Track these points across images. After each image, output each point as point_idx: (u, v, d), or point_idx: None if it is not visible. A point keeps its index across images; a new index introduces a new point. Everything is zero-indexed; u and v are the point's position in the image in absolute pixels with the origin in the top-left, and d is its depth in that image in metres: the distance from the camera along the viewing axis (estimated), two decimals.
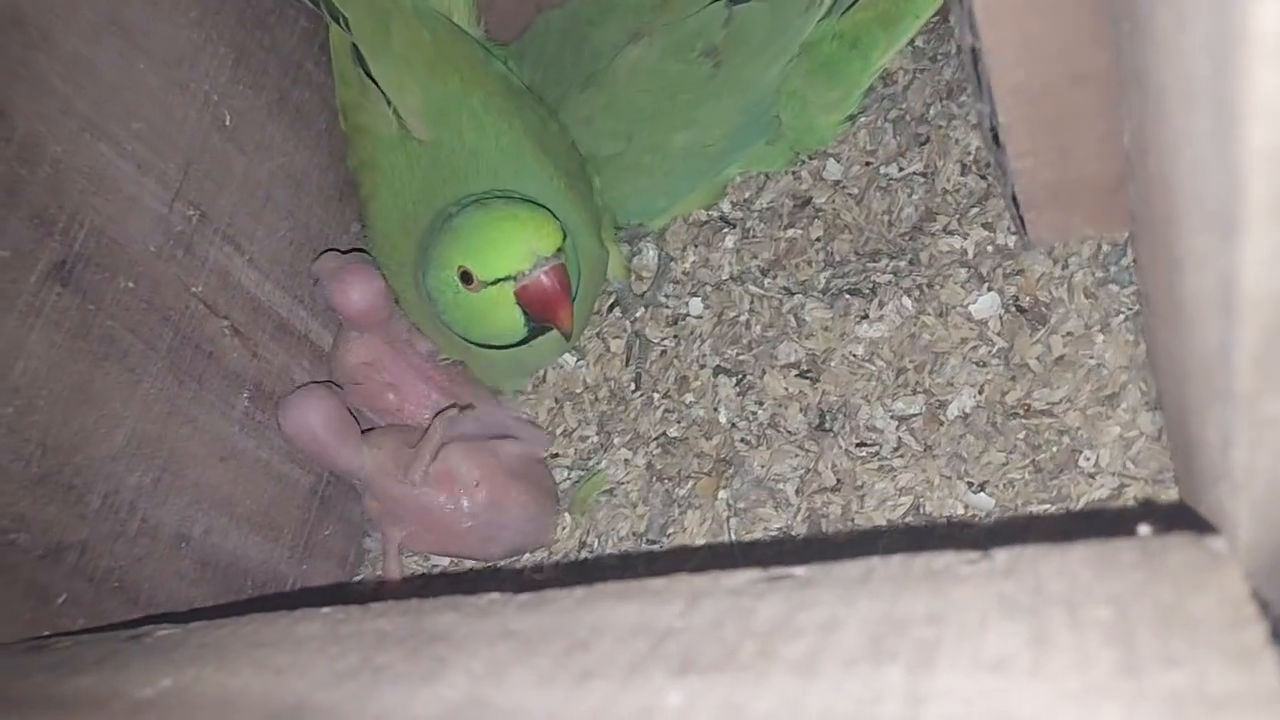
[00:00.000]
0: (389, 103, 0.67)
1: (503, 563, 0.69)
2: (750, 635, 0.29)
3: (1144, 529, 0.31)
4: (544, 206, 0.62)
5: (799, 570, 0.33)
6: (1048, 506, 0.57)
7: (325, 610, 0.39)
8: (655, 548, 0.65)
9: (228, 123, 0.66)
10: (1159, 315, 0.47)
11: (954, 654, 0.26)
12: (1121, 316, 0.61)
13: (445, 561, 0.71)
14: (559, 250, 0.60)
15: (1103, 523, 0.54)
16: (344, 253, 0.73)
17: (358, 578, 0.70)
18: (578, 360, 0.76)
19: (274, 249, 0.68)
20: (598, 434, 0.73)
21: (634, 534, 0.67)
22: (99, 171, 0.56)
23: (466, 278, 0.60)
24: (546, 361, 0.75)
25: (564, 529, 0.69)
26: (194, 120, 0.63)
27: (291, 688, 0.34)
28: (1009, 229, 0.66)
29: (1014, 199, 0.49)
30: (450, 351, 0.71)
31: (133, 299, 0.57)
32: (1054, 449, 0.59)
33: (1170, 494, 0.55)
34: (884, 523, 0.61)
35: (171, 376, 0.59)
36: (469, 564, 0.70)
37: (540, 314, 0.61)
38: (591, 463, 0.71)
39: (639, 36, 0.71)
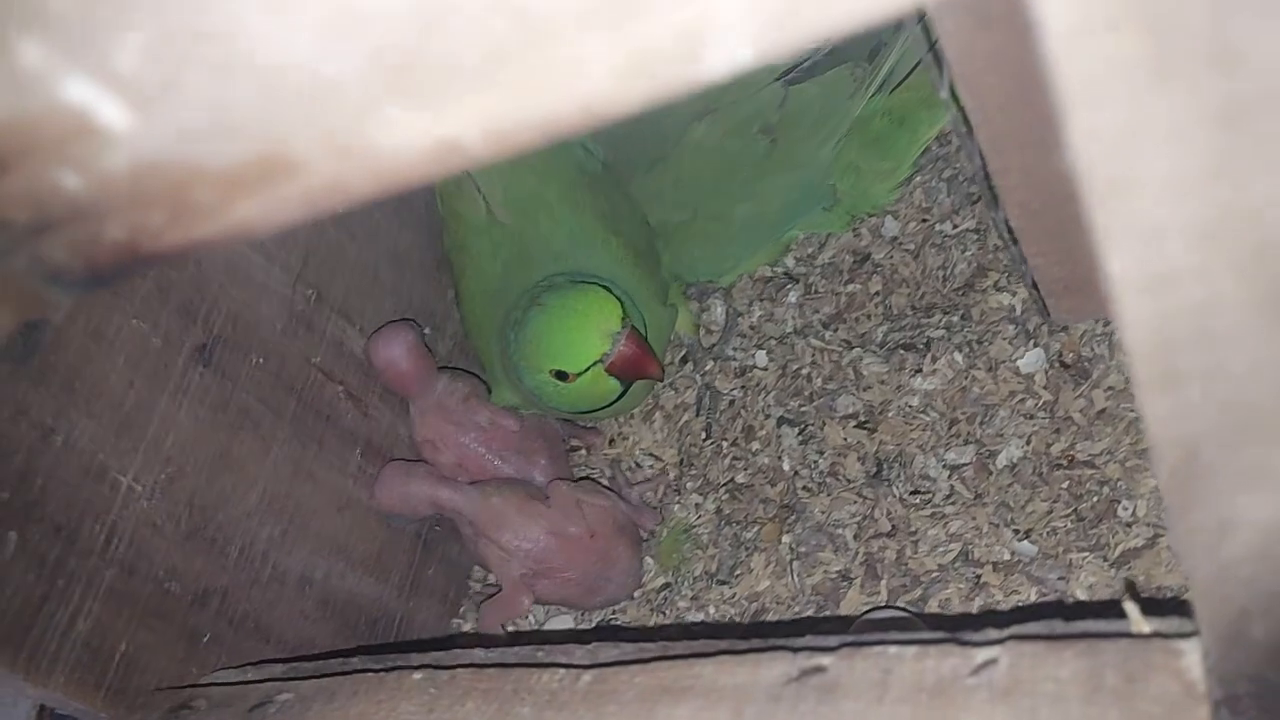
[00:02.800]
0: (479, 190, 0.75)
1: None
2: None
3: (1134, 618, 0.36)
4: (594, 284, 0.70)
5: (826, 661, 0.39)
6: (1086, 554, 0.61)
7: (418, 678, 0.45)
8: (725, 588, 0.71)
9: (339, 212, 0.74)
10: None
11: None
12: None
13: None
14: (624, 318, 0.68)
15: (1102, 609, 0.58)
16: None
17: (455, 621, 0.78)
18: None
19: (380, 320, 0.76)
20: (675, 478, 0.79)
21: (706, 574, 0.73)
22: (234, 265, 0.65)
23: (561, 375, 0.69)
24: (638, 404, 0.82)
25: (649, 572, 0.76)
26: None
27: None
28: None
29: (1034, 285, 0.54)
30: (541, 410, 0.78)
31: (263, 373, 0.66)
32: (1094, 499, 0.63)
33: None
34: (935, 568, 0.66)
35: (296, 440, 0.67)
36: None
37: (633, 376, 0.70)
38: (669, 514, 0.77)
39: (703, 115, 0.77)
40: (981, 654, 0.36)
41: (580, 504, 0.72)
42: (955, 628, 0.42)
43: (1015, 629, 0.38)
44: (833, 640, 0.40)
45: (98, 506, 0.56)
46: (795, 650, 0.40)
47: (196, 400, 0.61)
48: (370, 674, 0.48)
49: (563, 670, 0.44)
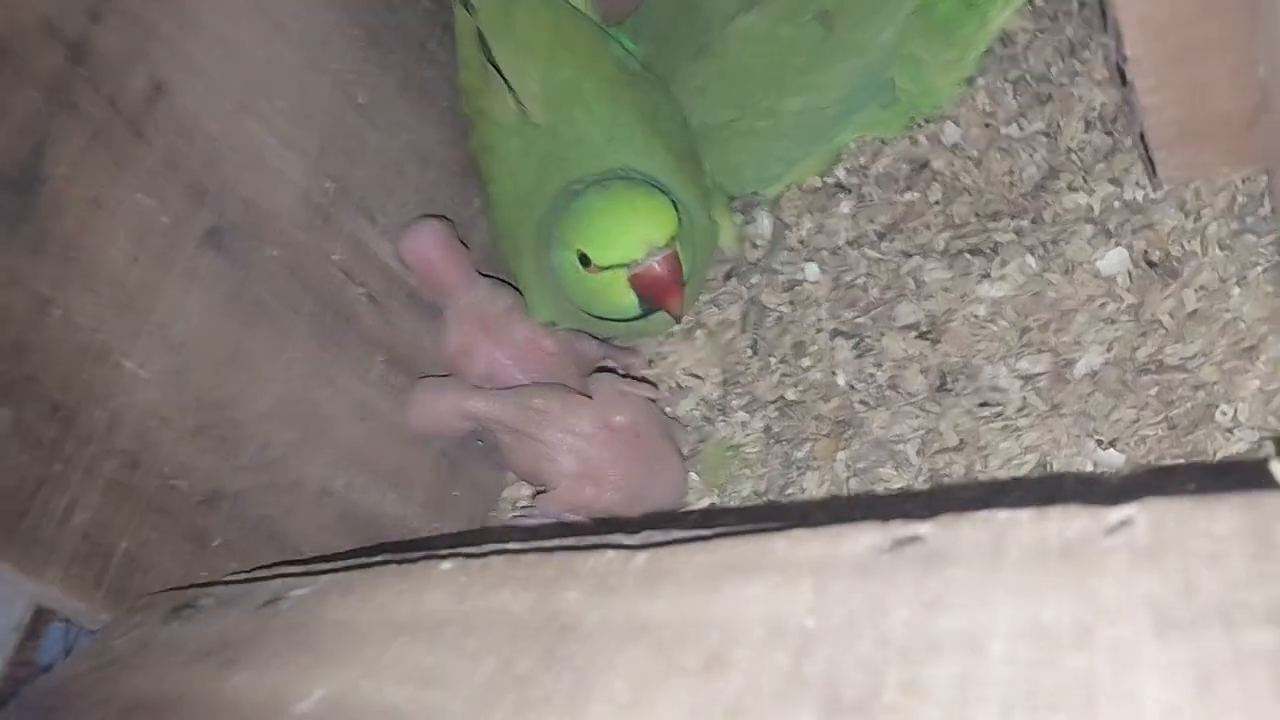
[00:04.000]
0: (509, 88, 0.70)
1: None
2: (889, 653, 0.29)
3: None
4: (663, 192, 0.64)
5: (923, 529, 0.33)
6: (1181, 461, 0.56)
7: (448, 566, 0.40)
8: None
9: (360, 100, 0.69)
10: None
11: (1114, 703, 0.25)
12: (1260, 268, 0.59)
13: None
14: (673, 238, 0.62)
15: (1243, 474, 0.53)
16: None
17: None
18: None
19: (404, 221, 0.71)
20: (719, 399, 0.73)
21: (755, 494, 0.68)
22: (248, 146, 0.60)
23: (584, 260, 0.63)
24: (661, 331, 0.77)
25: (692, 490, 0.70)
26: (330, 98, 0.66)
27: (444, 709, 0.35)
28: (1137, 182, 0.64)
29: (1142, 138, 0.48)
30: (573, 322, 0.73)
31: (278, 266, 0.61)
32: (1188, 404, 0.57)
33: None
34: (1009, 481, 0.60)
35: (314, 341, 0.62)
36: None
37: (652, 299, 0.64)
38: (711, 432, 0.72)
39: (752, 4, 0.72)
40: (1115, 514, 0.31)
41: (623, 394, 0.66)
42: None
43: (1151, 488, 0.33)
44: (927, 510, 0.35)
45: (99, 390, 0.51)
46: (885, 519, 0.34)
47: (207, 287, 0.56)
48: (394, 565, 0.43)
49: (612, 552, 0.39)
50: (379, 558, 0.48)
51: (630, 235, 0.63)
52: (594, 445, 0.64)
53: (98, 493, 0.50)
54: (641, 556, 0.38)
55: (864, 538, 0.34)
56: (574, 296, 0.68)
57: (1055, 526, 0.31)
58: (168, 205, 0.55)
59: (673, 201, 0.65)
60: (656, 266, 0.63)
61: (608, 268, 0.64)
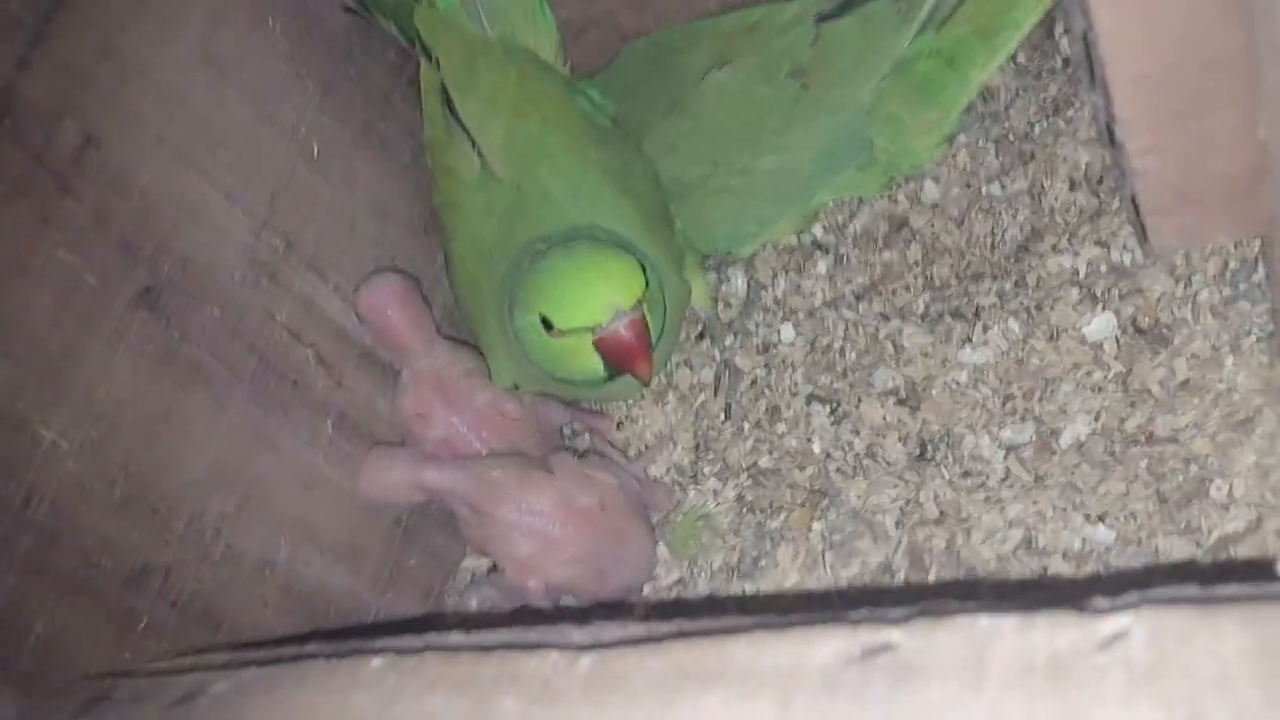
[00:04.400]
0: (473, 144, 0.67)
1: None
2: None
3: None
4: (630, 253, 0.61)
5: (896, 635, 0.30)
6: (1174, 538, 0.52)
7: (378, 664, 0.37)
8: (747, 583, 0.62)
9: (315, 154, 0.66)
10: None
11: None
12: (1253, 337, 0.56)
13: None
14: (640, 301, 0.60)
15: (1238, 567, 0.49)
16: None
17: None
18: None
19: (359, 279, 0.67)
20: (690, 464, 0.70)
21: (726, 566, 0.64)
22: (188, 201, 0.57)
23: (547, 324, 0.61)
24: (629, 395, 0.73)
25: (660, 563, 0.67)
26: (282, 151, 0.63)
27: None
28: (1124, 245, 0.62)
29: (1134, 202, 0.45)
30: (537, 386, 0.70)
31: (218, 326, 0.57)
32: (1180, 478, 0.54)
33: None
34: (993, 557, 0.57)
35: (256, 404, 0.59)
36: None
37: (618, 364, 0.61)
38: (682, 499, 0.68)
39: (725, 62, 0.69)
40: (1108, 624, 0.27)
41: (589, 478, 0.63)
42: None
43: (1142, 595, 0.29)
44: (899, 611, 0.31)
45: (14, 462, 0.47)
46: (854, 623, 0.31)
47: (136, 349, 0.53)
48: (322, 660, 0.39)
49: (556, 653, 0.35)
50: (310, 646, 0.44)
51: (595, 298, 0.60)
52: (553, 525, 0.61)
53: (10, 572, 0.46)
54: (588, 659, 0.34)
55: (832, 644, 0.30)
56: (537, 360, 0.64)
57: (1042, 638, 0.28)
58: (96, 264, 0.51)
59: (641, 262, 0.62)
60: (623, 331, 0.60)
61: (571, 332, 0.61)
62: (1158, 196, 0.44)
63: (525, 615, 0.63)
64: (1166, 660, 0.26)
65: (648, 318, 0.61)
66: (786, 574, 0.62)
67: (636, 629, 0.37)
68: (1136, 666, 0.26)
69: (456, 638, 0.40)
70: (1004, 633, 0.28)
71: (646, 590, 0.65)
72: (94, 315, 0.51)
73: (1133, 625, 0.27)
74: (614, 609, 0.62)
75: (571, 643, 0.36)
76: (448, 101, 0.70)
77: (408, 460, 0.64)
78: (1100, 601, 0.29)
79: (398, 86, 0.76)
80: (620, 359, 0.61)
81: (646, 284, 0.60)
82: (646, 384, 0.64)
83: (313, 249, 0.64)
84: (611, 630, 0.37)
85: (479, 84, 0.69)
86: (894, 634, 0.30)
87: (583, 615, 0.60)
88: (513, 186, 0.67)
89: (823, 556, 0.61)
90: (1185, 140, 0.39)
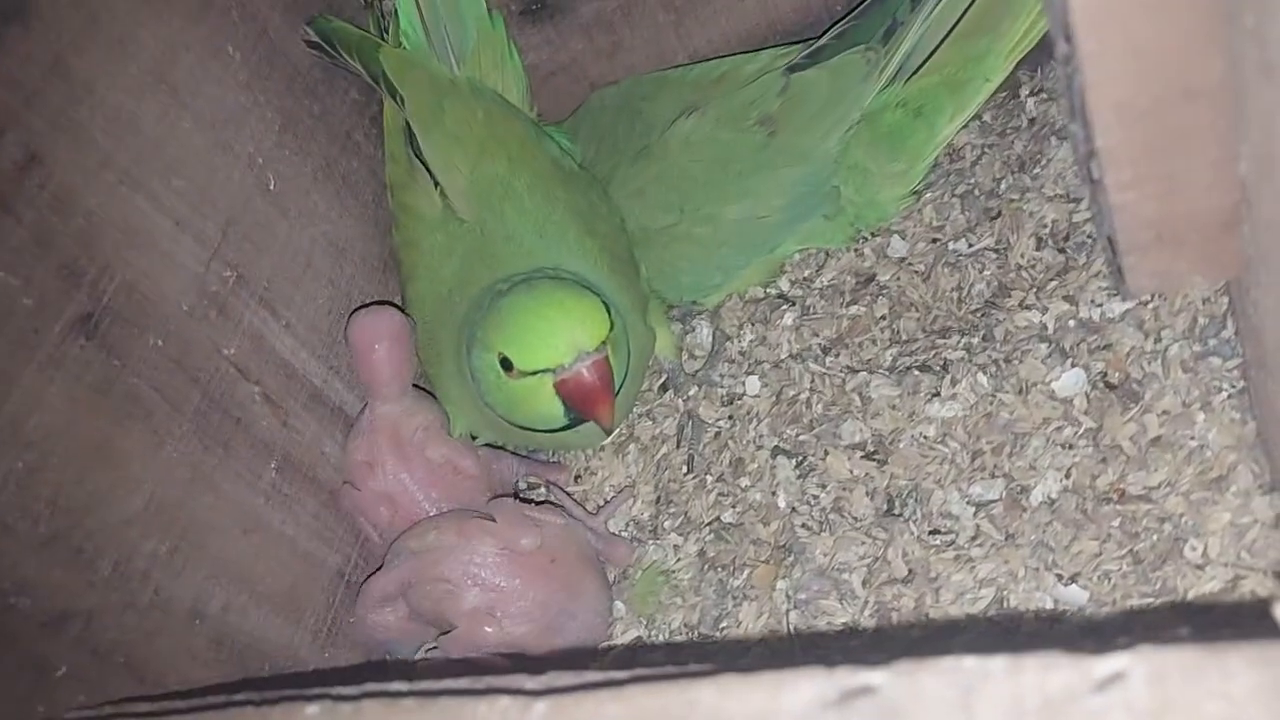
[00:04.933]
0: (435, 184, 0.66)
1: None
2: None
3: None
4: (594, 293, 0.60)
5: (877, 678, 0.28)
6: (1150, 600, 0.51)
7: (313, 711, 0.34)
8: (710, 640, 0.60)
9: (272, 187, 0.64)
10: (1276, 376, 0.42)
11: None
12: (1225, 393, 0.55)
13: None
14: (604, 343, 0.58)
15: (1216, 617, 0.48)
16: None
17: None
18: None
19: (312, 316, 0.65)
20: (650, 518, 0.68)
21: (686, 626, 0.61)
22: (134, 226, 0.54)
23: (507, 364, 0.58)
24: (590, 444, 0.71)
25: (617, 620, 0.64)
26: (237, 182, 0.61)
27: None
28: (1093, 300, 0.61)
29: (1111, 243, 0.45)
30: (493, 434, 0.68)
31: (161, 357, 0.55)
32: (1154, 537, 0.53)
33: None
34: (963, 617, 0.55)
35: (197, 440, 0.56)
36: None
37: (579, 408, 0.59)
38: (642, 555, 0.66)
39: (693, 109, 0.69)
40: (1103, 665, 0.26)
41: (531, 519, 0.60)
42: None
43: (1137, 637, 0.27)
44: (880, 655, 0.29)
45: None
46: (831, 665, 0.28)
47: (72, 378, 0.50)
48: (251, 707, 0.36)
49: (507, 699, 0.32)
50: (240, 696, 0.40)
51: (557, 338, 0.58)
52: (499, 574, 0.58)
53: None
54: (542, 705, 0.32)
55: (807, 687, 0.28)
56: (495, 404, 0.62)
57: (1033, 680, 0.26)
58: (34, 286, 0.49)
59: (605, 304, 0.60)
60: (585, 373, 0.58)
61: (532, 373, 0.58)
62: (1136, 234, 0.43)
63: (475, 666, 0.59)
64: (1171, 703, 0.24)
65: (611, 360, 0.59)
66: (749, 634, 0.59)
67: (593, 677, 0.35)
68: (1138, 708, 0.24)
69: (399, 685, 0.37)
70: (992, 674, 0.26)
71: (602, 648, 0.62)
72: (28, 339, 0.48)
73: (1131, 666, 0.25)
74: (571, 657, 0.59)
75: (524, 689, 0.34)
76: (411, 140, 0.69)
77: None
78: (1091, 644, 0.28)
79: (360, 124, 0.74)
80: (582, 403, 0.59)
81: (612, 325, 0.59)
82: (608, 431, 0.63)
83: (265, 283, 0.62)
84: (567, 678, 0.35)
85: (445, 123, 0.67)
86: (875, 676, 0.28)
87: (537, 665, 0.57)
88: (475, 227, 0.66)
89: (787, 616, 0.58)
90: (1165, 174, 0.39)
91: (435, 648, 0.62)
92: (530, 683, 0.34)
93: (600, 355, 0.58)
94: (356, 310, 0.67)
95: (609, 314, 0.59)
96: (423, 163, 0.67)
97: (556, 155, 0.71)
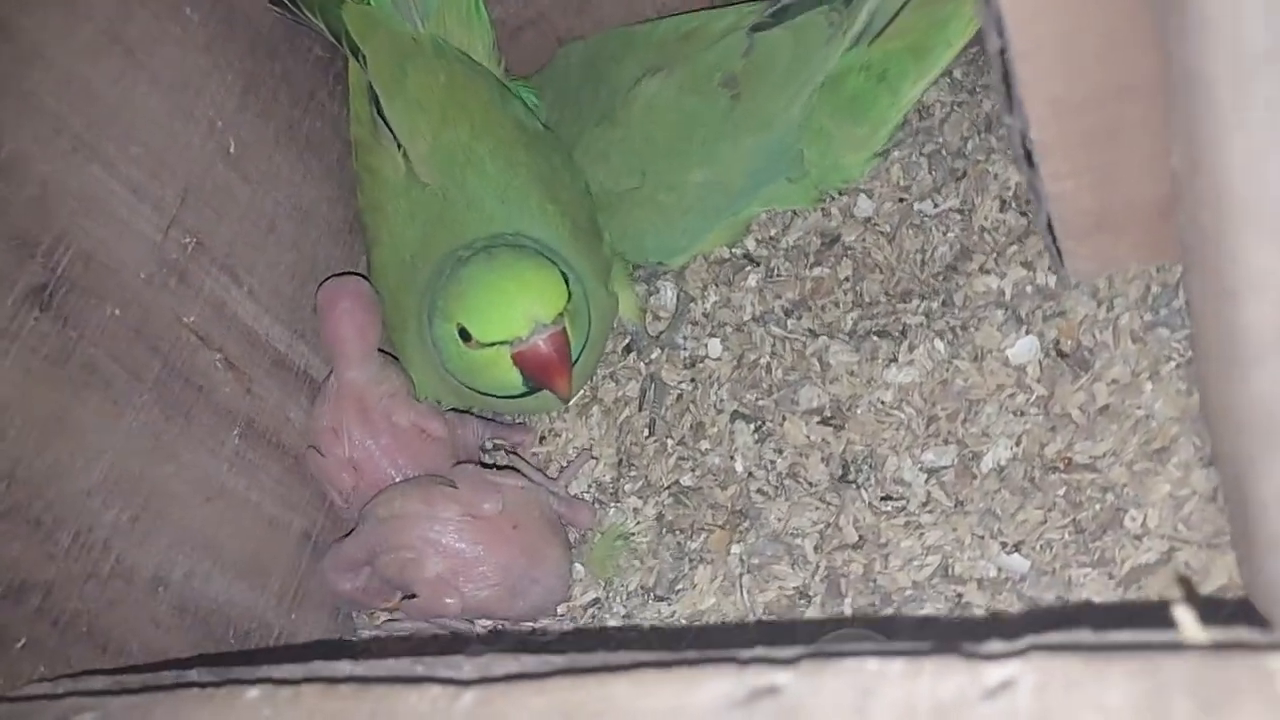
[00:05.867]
0: (399, 145, 0.66)
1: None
2: None
3: (1185, 623, 0.27)
4: (553, 262, 0.60)
5: (783, 677, 0.29)
6: (1088, 570, 0.52)
7: (254, 695, 0.35)
8: (663, 604, 0.61)
9: (232, 150, 0.64)
10: (1211, 357, 0.43)
11: None
12: (1173, 363, 0.56)
13: None
14: (561, 315, 0.58)
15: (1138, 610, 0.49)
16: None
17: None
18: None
19: (275, 282, 0.65)
20: (611, 480, 0.69)
21: (643, 588, 0.63)
22: (89, 194, 0.54)
23: (465, 335, 0.59)
24: (550, 409, 0.72)
25: (577, 582, 0.65)
26: (196, 147, 0.61)
27: None
28: (1049, 267, 0.61)
29: (1049, 227, 0.45)
30: (452, 399, 0.68)
31: (119, 327, 0.55)
32: (1097, 507, 0.54)
33: (1227, 559, 0.49)
34: (909, 584, 0.56)
35: (157, 409, 0.56)
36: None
37: (536, 379, 0.60)
38: (602, 518, 0.67)
39: (657, 70, 0.68)
40: (995, 671, 0.27)
41: (493, 483, 0.61)
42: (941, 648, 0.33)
43: (1033, 640, 0.28)
44: (790, 651, 0.30)
45: None
46: (742, 663, 0.30)
47: (27, 349, 0.50)
48: (196, 689, 0.37)
49: (438, 688, 0.33)
50: (191, 673, 0.42)
51: (514, 310, 0.58)
52: (461, 539, 0.59)
53: None
54: (469, 696, 0.33)
55: (717, 685, 0.29)
56: (454, 371, 0.63)
57: (927, 685, 0.27)
58: None
59: (564, 273, 0.60)
60: (542, 345, 0.58)
61: (490, 345, 0.59)
62: (1074, 222, 0.43)
63: (423, 643, 0.61)
64: (1050, 713, 0.25)
65: (569, 331, 0.59)
66: (703, 596, 0.60)
67: (529, 661, 0.36)
68: (1020, 710, 0.25)
69: (345, 666, 0.38)
70: (890, 678, 0.27)
71: (561, 610, 0.64)
72: None
73: (1020, 674, 0.26)
74: (512, 637, 0.60)
75: (456, 677, 0.35)
76: (375, 101, 0.68)
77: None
78: (995, 645, 0.29)
79: (324, 84, 0.74)
80: (538, 374, 0.59)
81: (569, 296, 0.59)
82: (566, 400, 0.64)
83: (226, 249, 0.62)
84: (503, 663, 0.36)
85: (407, 86, 0.67)
86: (782, 676, 0.29)
87: (485, 642, 0.59)
88: (438, 192, 0.65)
89: (740, 580, 0.60)
90: (1101, 166, 0.39)
91: (399, 615, 0.63)
92: (467, 666, 0.36)
93: (557, 328, 0.58)
94: (325, 280, 0.67)
95: (567, 284, 0.60)
96: (387, 125, 0.67)
97: (521, 117, 0.70)
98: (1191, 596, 0.45)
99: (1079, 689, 0.25)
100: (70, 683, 0.45)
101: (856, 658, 0.28)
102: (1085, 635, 0.29)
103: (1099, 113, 0.37)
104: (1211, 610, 0.30)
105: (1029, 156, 0.41)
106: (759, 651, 0.31)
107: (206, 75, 0.63)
